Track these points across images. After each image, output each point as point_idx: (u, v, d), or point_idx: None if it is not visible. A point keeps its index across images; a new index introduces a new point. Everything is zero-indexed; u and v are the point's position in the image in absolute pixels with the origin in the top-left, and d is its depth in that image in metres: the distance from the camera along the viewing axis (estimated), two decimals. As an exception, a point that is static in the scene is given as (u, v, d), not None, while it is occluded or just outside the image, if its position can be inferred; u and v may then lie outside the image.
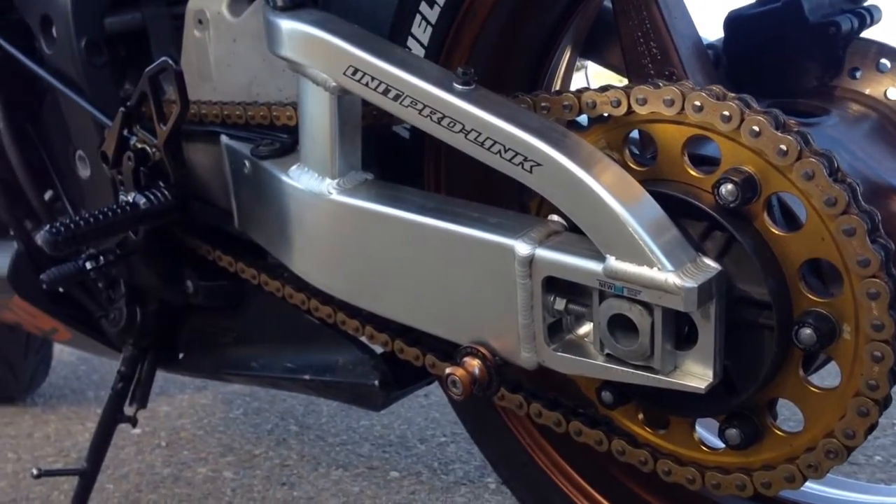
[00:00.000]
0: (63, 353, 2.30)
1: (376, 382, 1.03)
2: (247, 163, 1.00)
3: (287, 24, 0.84)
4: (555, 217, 0.76)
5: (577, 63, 1.05)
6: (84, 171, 1.18)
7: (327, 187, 0.85)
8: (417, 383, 1.09)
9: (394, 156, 0.94)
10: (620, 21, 0.81)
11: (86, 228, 0.96)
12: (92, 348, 1.42)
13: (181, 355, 1.36)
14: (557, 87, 0.99)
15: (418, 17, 0.87)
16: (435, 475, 1.56)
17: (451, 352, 0.92)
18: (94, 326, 1.35)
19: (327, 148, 0.85)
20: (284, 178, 0.92)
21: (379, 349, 1.03)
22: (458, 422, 1.88)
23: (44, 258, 1.29)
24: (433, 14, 0.86)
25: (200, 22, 1.08)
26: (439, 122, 0.73)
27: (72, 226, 0.96)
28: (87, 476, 1.34)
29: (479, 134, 0.70)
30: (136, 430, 1.90)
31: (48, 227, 0.95)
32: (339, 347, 1.08)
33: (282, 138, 0.99)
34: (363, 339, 1.01)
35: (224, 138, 1.04)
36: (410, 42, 0.89)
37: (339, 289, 0.89)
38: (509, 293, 0.72)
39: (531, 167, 0.68)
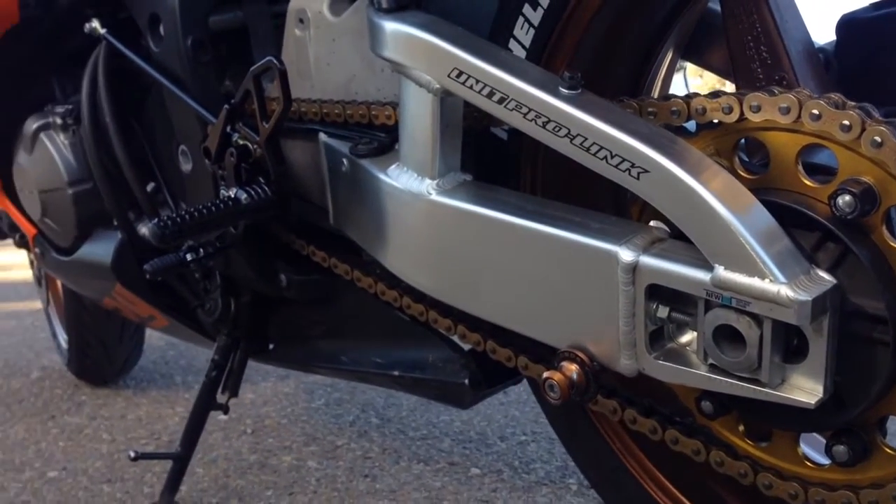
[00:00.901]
0: (152, 338, 2.38)
1: (466, 381, 1.03)
2: (345, 161, 1.01)
3: (391, 26, 0.85)
4: (657, 223, 0.75)
5: (677, 64, 1.03)
6: (186, 166, 1.22)
7: (427, 187, 0.86)
8: (505, 382, 1.09)
9: (491, 157, 0.94)
10: (729, 24, 0.79)
11: (191, 222, 0.99)
12: (186, 336, 1.46)
13: (271, 346, 1.39)
14: (657, 90, 0.98)
15: (521, 19, 0.87)
16: (516, 474, 1.56)
17: (544, 354, 0.93)
18: (189, 315, 1.39)
19: (428, 148, 0.85)
20: (383, 177, 0.93)
21: (466, 347, 1.04)
22: (537, 420, 1.89)
23: (145, 248, 1.34)
24: (536, 16, 0.86)
25: (301, 21, 1.10)
26: (544, 126, 0.73)
27: (178, 219, 0.99)
28: (181, 460, 1.38)
29: (585, 139, 0.70)
30: (223, 417, 1.96)
31: (156, 220, 0.98)
32: (428, 344, 1.09)
33: (380, 137, 1.00)
34: (455, 338, 1.01)
35: (322, 136, 1.06)
36: (512, 44, 0.88)
37: (436, 288, 0.90)
38: (610, 299, 0.72)
39: (638, 174, 0.67)
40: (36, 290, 3.97)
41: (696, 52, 1.03)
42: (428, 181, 0.86)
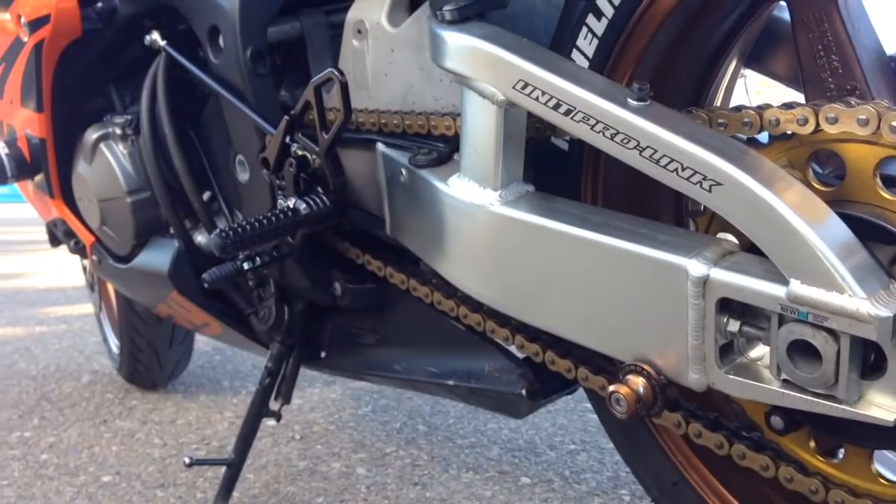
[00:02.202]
0: (199, 343, 2.42)
1: (524, 392, 1.03)
2: (403, 171, 1.02)
3: (455, 38, 0.85)
4: (726, 235, 0.74)
5: (740, 73, 1.02)
6: (243, 175, 1.23)
7: (489, 199, 0.86)
8: (560, 392, 1.09)
9: (552, 167, 0.94)
10: (799, 33, 0.78)
11: (252, 233, 1.00)
12: (239, 343, 1.48)
13: (323, 354, 1.40)
14: (720, 99, 0.97)
15: (584, 29, 0.86)
16: (567, 484, 1.56)
17: (603, 365, 0.92)
18: (243, 323, 1.40)
19: (490, 160, 0.85)
20: (443, 187, 0.93)
21: (521, 355, 1.04)
22: (586, 429, 1.88)
23: (201, 257, 1.36)
24: (600, 27, 0.85)
25: (359, 32, 1.11)
26: (612, 139, 0.72)
27: (239, 230, 1.00)
28: (234, 466, 1.39)
29: (655, 151, 0.69)
30: (272, 423, 1.98)
31: (218, 230, 0.99)
32: (484, 354, 1.09)
33: (439, 147, 1.00)
34: (512, 348, 1.01)
35: (380, 146, 1.07)
36: (575, 54, 0.88)
37: (497, 300, 0.90)
38: (679, 313, 0.71)
39: (710, 186, 0.66)
40: (87, 295, 4.05)
41: (759, 60, 1.01)
42: (490, 192, 0.86)
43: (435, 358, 1.18)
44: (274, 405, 1.41)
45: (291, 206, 1.05)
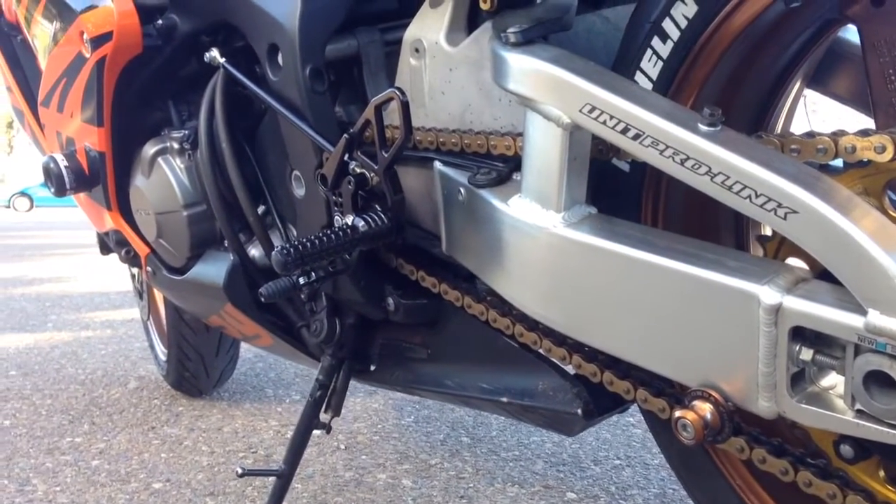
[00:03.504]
0: (242, 351, 2.44)
1: (579, 411, 1.03)
2: (462, 190, 1.02)
3: (519, 60, 0.86)
4: (795, 260, 0.73)
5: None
6: (299, 191, 1.25)
7: (552, 221, 0.86)
8: (614, 411, 1.08)
9: (612, 188, 0.94)
10: (869, 57, 0.77)
11: (311, 250, 1.02)
12: (290, 355, 1.49)
13: (373, 367, 1.41)
14: (782, 121, 0.96)
15: (649, 51, 0.86)
16: (613, 500, 1.55)
17: (664, 388, 0.92)
18: (294, 336, 1.42)
19: (554, 182, 0.86)
20: (504, 208, 0.94)
21: (571, 370, 1.03)
22: (630, 444, 1.87)
23: (255, 270, 1.38)
24: (665, 49, 0.85)
25: (417, 51, 1.12)
26: (682, 164, 0.72)
27: (300, 247, 1.01)
28: (285, 477, 1.41)
29: (728, 178, 0.69)
30: (316, 432, 1.99)
31: (279, 248, 1.00)
32: (538, 372, 1.09)
33: (498, 167, 1.01)
34: (569, 368, 1.01)
35: (437, 164, 1.07)
36: (638, 76, 0.88)
37: (558, 321, 0.90)
38: (750, 340, 0.71)
39: (785, 214, 0.66)
40: (131, 300, 4.09)
41: (820, 81, 1.01)
42: (553, 214, 0.87)
43: (487, 374, 1.18)
44: (324, 417, 1.43)
45: (350, 223, 1.06)
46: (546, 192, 0.87)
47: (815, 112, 1.17)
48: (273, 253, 1.01)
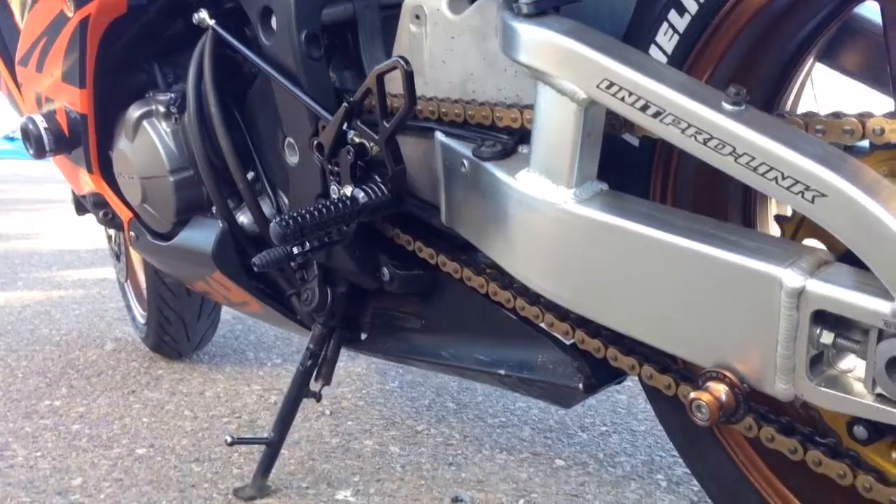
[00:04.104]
0: (221, 313, 2.41)
1: (580, 385, 1.03)
2: (465, 162, 1.00)
3: (533, 32, 0.83)
4: (815, 242, 0.73)
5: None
6: (292, 158, 1.22)
7: (563, 197, 0.85)
8: (611, 382, 1.09)
9: (621, 162, 0.93)
10: (891, 34, 0.76)
11: (311, 222, 0.99)
12: (278, 322, 1.47)
13: (364, 336, 1.40)
14: (792, 98, 0.95)
15: (665, 24, 0.85)
16: (602, 467, 1.56)
17: (669, 364, 0.92)
18: (284, 303, 1.40)
19: (566, 157, 0.84)
20: (511, 181, 0.92)
21: (568, 341, 1.03)
22: (615, 410, 1.88)
23: (244, 237, 1.35)
24: (682, 23, 0.83)
25: (417, 17, 1.09)
26: (705, 143, 0.71)
27: (299, 219, 0.99)
28: (274, 445, 1.40)
29: (753, 159, 0.68)
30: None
31: (278, 219, 0.98)
32: (537, 345, 1.09)
33: (503, 139, 0.99)
34: (571, 341, 1.00)
35: (439, 135, 1.05)
36: (653, 49, 0.86)
37: (567, 297, 0.89)
38: (770, 322, 0.70)
39: (813, 197, 0.65)
40: (100, 259, 4.02)
41: (831, 56, 0.99)
42: (564, 190, 0.85)
43: (484, 346, 1.17)
44: (314, 386, 1.41)
45: (350, 194, 1.03)
46: (557, 168, 0.85)
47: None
48: (271, 225, 0.99)
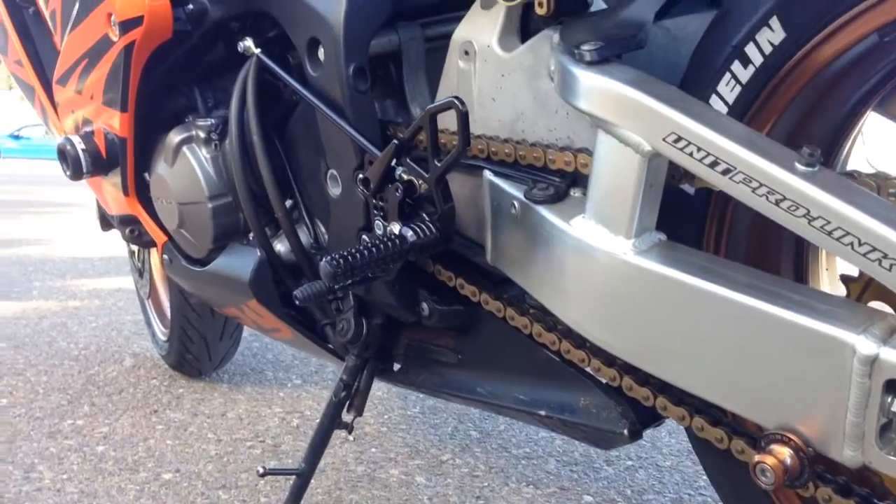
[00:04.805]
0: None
1: (626, 432, 1.01)
2: (516, 204, 1.00)
3: (596, 81, 0.83)
4: (882, 305, 0.72)
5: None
6: (334, 190, 1.21)
7: (622, 247, 0.84)
8: (652, 425, 1.07)
9: (675, 210, 0.92)
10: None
11: (361, 261, 0.98)
12: (310, 351, 1.46)
13: (397, 366, 1.39)
14: (848, 149, 0.94)
15: (728, 75, 0.84)
16: (630, 504, 1.55)
17: (721, 417, 0.90)
18: (318, 332, 1.39)
19: (627, 208, 0.83)
20: (566, 227, 0.91)
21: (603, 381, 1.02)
22: (640, 444, 1.86)
23: (281, 266, 1.34)
24: (746, 74, 0.83)
25: (466, 53, 1.08)
26: (777, 204, 0.70)
27: (349, 258, 0.98)
28: (304, 476, 1.39)
29: (828, 223, 0.67)
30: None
31: (329, 258, 0.97)
32: (579, 386, 1.07)
33: (555, 182, 0.98)
34: (622, 389, 0.99)
35: (488, 174, 1.04)
36: (713, 99, 0.86)
37: (621, 348, 0.88)
38: (840, 389, 0.69)
39: (891, 265, 0.64)
40: (119, 270, 4.01)
41: (885, 105, 0.99)
42: (623, 240, 0.84)
43: (523, 385, 1.16)
44: (346, 416, 1.40)
45: (398, 233, 1.03)
46: (616, 218, 0.84)
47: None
48: (321, 263, 0.98)
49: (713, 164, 0.74)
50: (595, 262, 0.87)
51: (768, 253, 0.92)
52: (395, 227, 1.05)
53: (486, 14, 1.07)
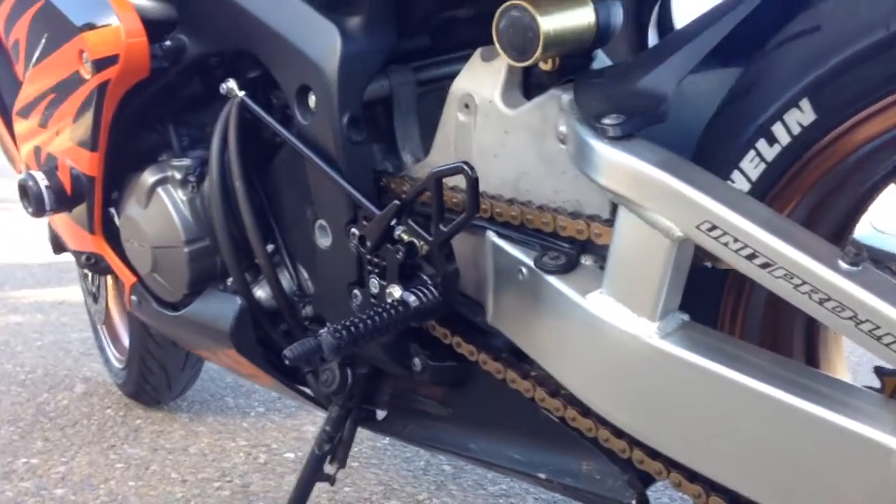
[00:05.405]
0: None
1: (633, 502, 0.99)
2: (524, 270, 0.96)
3: (621, 158, 0.80)
4: (916, 401, 0.70)
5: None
6: (323, 241, 1.16)
7: (646, 330, 0.81)
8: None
9: (691, 285, 0.89)
10: None
11: (364, 331, 0.94)
12: (288, 395, 1.41)
13: (380, 414, 1.35)
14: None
15: (752, 152, 0.82)
16: (613, 548, 1.53)
17: (737, 496, 0.88)
18: (298, 380, 1.34)
19: (652, 290, 0.80)
20: (581, 302, 0.88)
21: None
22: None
23: (260, 313, 1.28)
24: (771, 152, 0.81)
25: (467, 106, 1.04)
26: (821, 304, 0.68)
27: (352, 329, 0.93)
28: (284, 530, 1.34)
29: (877, 327, 0.65)
30: (290, 455, 1.92)
31: (331, 330, 0.93)
32: (580, 450, 1.05)
33: (565, 249, 0.95)
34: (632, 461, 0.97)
35: (491, 235, 1.01)
36: (735, 174, 0.84)
37: (640, 430, 0.86)
38: (879, 492, 0.68)
39: (943, 375, 0.63)
40: (56, 278, 3.84)
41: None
42: (647, 322, 0.82)
43: (519, 444, 1.13)
44: (328, 468, 1.36)
45: (399, 298, 0.98)
46: (639, 298, 0.82)
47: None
48: (324, 336, 0.93)
49: (751, 257, 0.71)
50: (614, 341, 0.84)
51: (780, 330, 0.90)
52: (395, 291, 1.01)
53: (487, 66, 1.04)
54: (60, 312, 3.19)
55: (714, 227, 0.73)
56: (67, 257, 1.90)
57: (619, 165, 0.79)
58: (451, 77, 1.19)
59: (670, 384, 0.80)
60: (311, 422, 2.09)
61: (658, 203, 0.76)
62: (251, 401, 2.26)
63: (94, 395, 2.25)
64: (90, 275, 2.15)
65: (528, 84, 1.02)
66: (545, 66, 0.99)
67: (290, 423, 2.08)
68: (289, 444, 1.96)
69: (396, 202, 0.99)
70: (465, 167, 0.90)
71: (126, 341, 2.12)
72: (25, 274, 3.97)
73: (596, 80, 0.95)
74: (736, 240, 0.72)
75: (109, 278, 2.07)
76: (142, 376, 2.00)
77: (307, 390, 1.36)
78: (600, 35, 0.97)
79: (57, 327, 2.96)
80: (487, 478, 1.81)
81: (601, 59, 1.06)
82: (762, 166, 0.81)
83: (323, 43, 1.07)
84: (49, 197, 1.33)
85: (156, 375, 1.98)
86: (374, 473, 1.81)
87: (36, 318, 3.12)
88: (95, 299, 2.14)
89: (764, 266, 0.71)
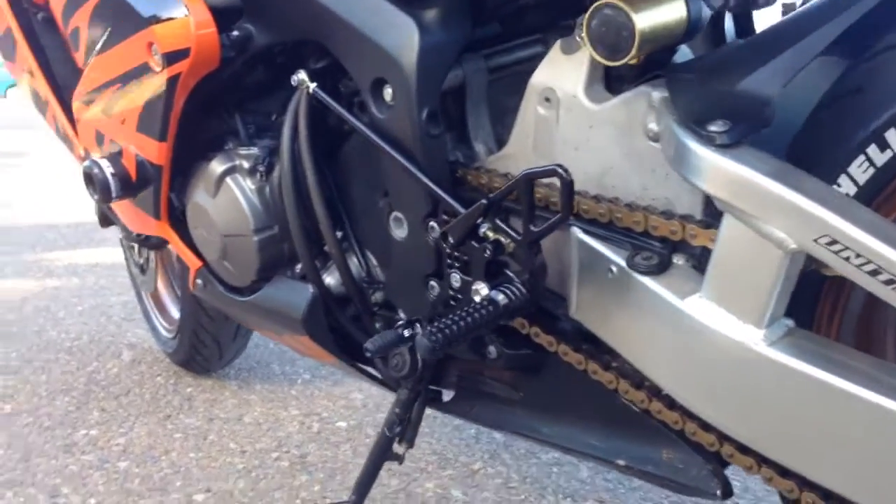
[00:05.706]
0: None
1: (719, 492, 1.01)
2: (614, 269, 0.96)
3: (731, 167, 0.79)
4: None
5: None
6: (398, 232, 1.16)
7: (753, 337, 0.81)
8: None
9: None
10: None
11: (458, 333, 0.94)
12: (357, 377, 1.43)
13: (447, 395, 1.36)
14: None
15: (862, 157, 0.81)
16: (672, 518, 1.56)
17: (830, 492, 0.90)
18: (368, 362, 1.36)
19: (760, 298, 0.80)
20: (678, 304, 0.88)
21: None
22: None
23: (330, 298, 1.29)
24: (882, 157, 0.80)
25: (548, 100, 1.03)
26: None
27: (447, 331, 0.94)
28: (355, 509, 1.36)
29: None
30: (342, 423, 1.95)
31: (428, 332, 0.93)
32: (661, 438, 1.06)
33: (657, 249, 0.95)
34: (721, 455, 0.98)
35: (577, 231, 1.00)
36: (843, 179, 0.83)
37: (742, 433, 0.86)
38: None
39: None
40: (86, 239, 3.83)
41: None
42: (753, 329, 0.82)
43: (596, 431, 1.14)
44: (398, 448, 1.38)
45: (489, 297, 0.99)
46: (745, 305, 0.82)
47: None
48: (418, 338, 0.94)
49: (874, 273, 0.71)
50: (717, 346, 0.85)
51: (873, 337, 0.90)
52: (482, 288, 1.02)
53: (568, 60, 1.02)
54: (97, 276, 3.22)
55: (835, 242, 0.73)
56: (94, 217, 1.90)
57: (729, 175, 0.79)
58: (520, 63, 1.18)
59: (777, 390, 0.80)
60: (358, 388, 2.12)
61: (772, 215, 0.76)
62: (297, 367, 2.28)
63: (142, 362, 2.28)
64: (136, 247, 2.16)
65: (609, 77, 1.01)
66: (632, 61, 0.97)
67: (338, 390, 2.11)
68: (339, 413, 1.99)
69: (483, 201, 0.98)
70: (560, 170, 0.90)
71: (172, 311, 2.14)
72: (56, 235, 3.99)
73: (686, 75, 0.93)
74: (859, 255, 0.72)
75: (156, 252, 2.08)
76: (193, 348, 2.02)
77: (374, 371, 1.38)
78: (690, 29, 0.95)
79: (95, 291, 2.99)
80: (538, 446, 1.84)
81: (682, 52, 1.04)
82: (871, 171, 0.80)
83: (399, 36, 1.05)
84: (115, 184, 1.33)
85: (208, 347, 2.01)
86: (428, 443, 1.84)
87: (72, 281, 3.15)
88: (143, 270, 2.15)
89: (888, 283, 0.70)
